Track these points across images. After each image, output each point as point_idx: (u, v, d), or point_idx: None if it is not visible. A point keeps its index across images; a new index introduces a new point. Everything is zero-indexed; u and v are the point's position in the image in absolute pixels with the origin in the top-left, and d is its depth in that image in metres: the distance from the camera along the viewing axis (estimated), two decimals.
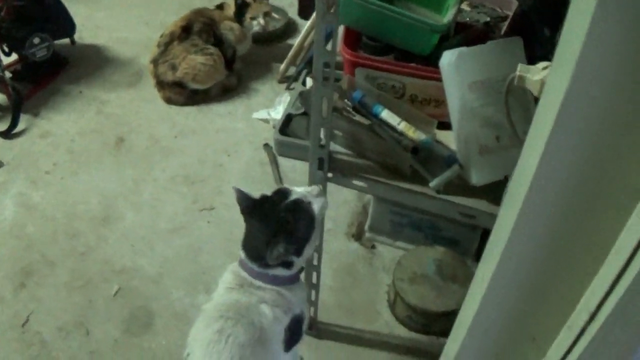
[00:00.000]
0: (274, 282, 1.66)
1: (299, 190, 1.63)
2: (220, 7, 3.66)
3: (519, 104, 1.53)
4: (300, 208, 1.60)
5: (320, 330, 2.35)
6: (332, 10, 1.39)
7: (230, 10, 3.59)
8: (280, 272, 1.65)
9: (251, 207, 1.64)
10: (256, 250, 1.62)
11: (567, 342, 1.03)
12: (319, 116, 1.59)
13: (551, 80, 0.87)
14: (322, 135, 1.68)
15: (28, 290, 2.51)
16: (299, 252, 1.63)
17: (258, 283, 1.65)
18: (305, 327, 1.78)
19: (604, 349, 0.94)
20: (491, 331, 1.20)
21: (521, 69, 1.28)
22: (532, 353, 1.16)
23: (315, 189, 1.63)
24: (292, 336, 1.71)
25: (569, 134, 0.85)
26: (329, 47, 1.49)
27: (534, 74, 1.26)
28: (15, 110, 3.25)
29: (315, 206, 1.60)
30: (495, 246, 1.06)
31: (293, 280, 1.71)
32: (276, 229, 1.58)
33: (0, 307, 2.44)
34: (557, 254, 1.00)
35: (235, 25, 3.55)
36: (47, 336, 2.35)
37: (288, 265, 1.64)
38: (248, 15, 3.60)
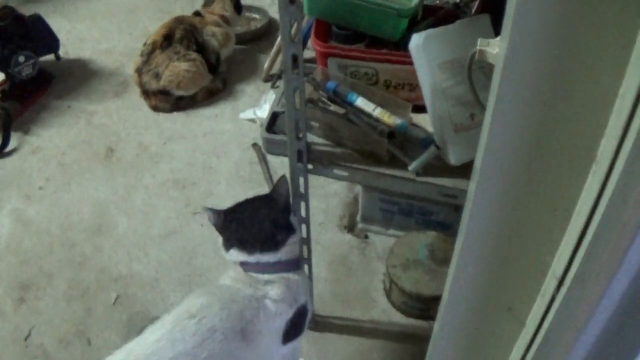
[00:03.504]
0: (284, 268, 1.71)
1: None
2: (197, 14, 3.69)
3: (488, 79, 1.54)
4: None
5: (318, 323, 2.36)
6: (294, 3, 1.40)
7: (212, 16, 3.63)
8: (287, 253, 1.71)
9: (231, 213, 1.73)
10: (259, 238, 1.68)
11: (541, 309, 1.05)
12: (293, 108, 1.60)
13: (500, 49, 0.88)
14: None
15: (28, 304, 2.53)
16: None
17: (267, 277, 1.68)
18: (308, 320, 1.80)
19: (570, 311, 0.96)
20: (467, 305, 1.21)
21: (481, 43, 1.28)
22: (511, 324, 1.17)
23: None
24: (294, 329, 1.73)
25: (513, 95, 0.86)
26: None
27: (494, 47, 1.27)
28: (5, 129, 3.28)
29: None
30: (462, 220, 1.07)
31: (298, 263, 1.77)
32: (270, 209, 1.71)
33: (1, 323, 2.46)
34: (520, 222, 1.01)
35: (218, 30, 3.58)
36: (50, 348, 2.36)
37: (290, 231, 1.72)
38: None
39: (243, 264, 1.70)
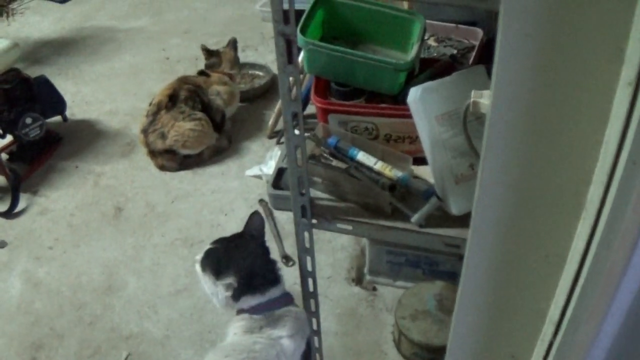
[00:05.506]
0: (288, 301, 1.79)
1: None
2: (202, 73, 3.75)
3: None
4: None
5: None
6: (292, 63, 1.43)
7: (216, 76, 3.69)
8: (284, 285, 1.82)
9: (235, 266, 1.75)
10: (266, 275, 1.76)
11: (541, 355, 1.06)
12: (295, 165, 1.62)
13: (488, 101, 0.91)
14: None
15: None
16: None
17: (277, 313, 1.73)
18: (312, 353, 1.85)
19: (566, 356, 0.97)
20: (471, 355, 1.22)
21: (475, 94, 1.29)
22: None
23: None
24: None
25: (503, 145, 0.88)
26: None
27: (487, 98, 1.28)
28: (14, 190, 3.30)
29: None
30: (462, 269, 1.09)
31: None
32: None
33: None
34: (516, 269, 1.02)
35: (222, 89, 3.63)
36: None
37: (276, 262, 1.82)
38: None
39: (255, 308, 1.74)
